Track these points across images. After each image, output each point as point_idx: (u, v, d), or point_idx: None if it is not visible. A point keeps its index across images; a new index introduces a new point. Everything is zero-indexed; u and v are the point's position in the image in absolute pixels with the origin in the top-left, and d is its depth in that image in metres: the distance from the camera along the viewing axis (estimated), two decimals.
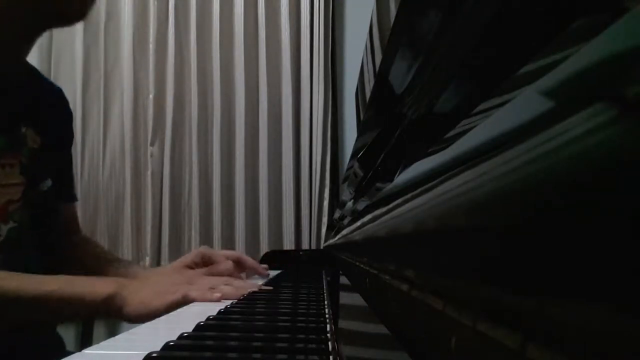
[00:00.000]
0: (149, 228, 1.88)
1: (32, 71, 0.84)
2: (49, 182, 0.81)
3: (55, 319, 0.72)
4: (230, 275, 0.83)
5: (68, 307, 0.65)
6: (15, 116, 0.76)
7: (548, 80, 0.12)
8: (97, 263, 0.91)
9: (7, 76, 0.75)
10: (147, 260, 1.85)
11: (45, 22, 0.78)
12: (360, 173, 0.60)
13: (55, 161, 0.84)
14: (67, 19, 0.76)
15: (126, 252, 1.85)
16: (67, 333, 1.48)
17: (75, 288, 0.66)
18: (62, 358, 0.36)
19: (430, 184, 0.23)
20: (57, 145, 0.86)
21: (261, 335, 0.45)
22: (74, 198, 0.97)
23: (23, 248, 0.77)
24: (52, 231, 0.84)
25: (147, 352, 0.36)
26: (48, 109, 0.84)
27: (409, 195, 0.28)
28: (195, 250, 0.90)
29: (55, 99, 0.89)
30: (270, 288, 0.80)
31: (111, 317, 0.68)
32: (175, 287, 0.69)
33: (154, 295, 0.67)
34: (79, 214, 1.02)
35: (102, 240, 1.84)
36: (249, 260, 0.98)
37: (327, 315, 0.55)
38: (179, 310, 0.64)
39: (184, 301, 0.67)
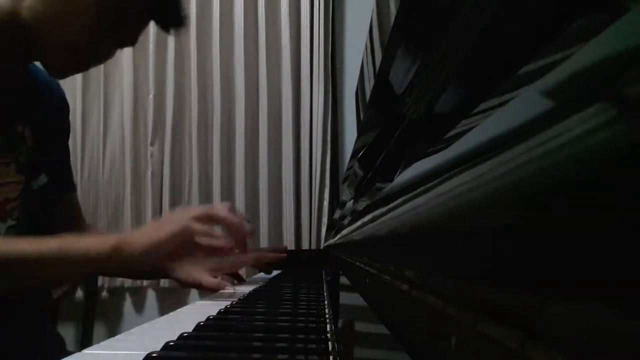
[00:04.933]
0: None
1: (28, 67, 0.83)
2: (44, 178, 0.81)
3: (60, 277, 0.74)
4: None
5: (73, 263, 0.67)
6: (11, 115, 0.76)
7: (548, 80, 0.12)
8: None
9: (4, 77, 0.75)
10: None
11: (30, 61, 0.79)
12: (360, 173, 0.60)
13: (51, 156, 0.84)
14: (47, 70, 0.77)
15: None
16: (67, 333, 1.48)
17: (78, 244, 0.68)
18: (62, 358, 0.36)
19: (430, 184, 0.23)
20: (53, 140, 0.86)
21: (261, 335, 0.45)
22: (74, 187, 0.98)
23: None
24: (51, 228, 0.84)
25: (147, 352, 0.36)
26: (44, 104, 0.84)
27: (408, 196, 0.28)
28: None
29: (50, 90, 0.88)
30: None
31: (121, 264, 0.70)
32: (176, 219, 0.72)
33: (154, 229, 0.71)
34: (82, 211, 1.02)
35: None
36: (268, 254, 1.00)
37: (327, 315, 0.55)
38: (179, 310, 0.64)
39: (185, 232, 0.70)
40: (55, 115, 0.88)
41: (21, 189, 0.76)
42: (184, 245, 0.73)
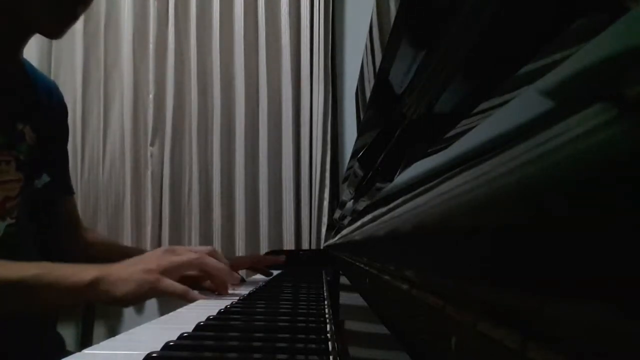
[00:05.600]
0: (149, 228, 1.88)
1: (27, 67, 0.85)
2: (45, 178, 0.81)
3: (37, 306, 0.69)
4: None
5: (49, 292, 0.64)
6: (12, 114, 0.76)
7: (548, 80, 0.12)
8: (108, 252, 0.92)
9: (3, 75, 0.76)
10: None
11: (27, 34, 0.79)
12: (360, 173, 0.60)
13: (52, 157, 0.85)
14: (45, 35, 0.77)
15: None
16: (67, 333, 1.48)
17: (56, 273, 0.65)
18: (62, 358, 0.36)
19: (430, 184, 0.23)
20: (53, 140, 0.86)
21: (261, 335, 0.45)
22: (71, 190, 0.97)
23: (21, 244, 0.77)
24: (50, 227, 0.84)
25: (147, 352, 0.36)
26: (43, 105, 0.84)
27: (408, 195, 0.28)
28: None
29: (50, 94, 0.89)
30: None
31: (96, 299, 0.67)
32: (147, 277, 0.68)
33: (138, 278, 0.67)
34: (79, 213, 1.03)
35: None
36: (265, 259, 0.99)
37: (327, 315, 0.55)
38: (178, 310, 0.64)
39: (166, 287, 0.67)
40: (54, 117, 0.89)
41: (21, 187, 0.76)
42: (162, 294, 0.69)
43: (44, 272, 0.64)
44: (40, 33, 0.77)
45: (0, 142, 0.73)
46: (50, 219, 0.84)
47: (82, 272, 0.65)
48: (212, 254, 0.77)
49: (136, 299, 0.67)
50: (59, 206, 0.90)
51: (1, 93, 0.75)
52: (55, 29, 0.75)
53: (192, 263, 0.73)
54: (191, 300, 0.70)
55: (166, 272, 0.68)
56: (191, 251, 0.75)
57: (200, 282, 0.83)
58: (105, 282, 0.65)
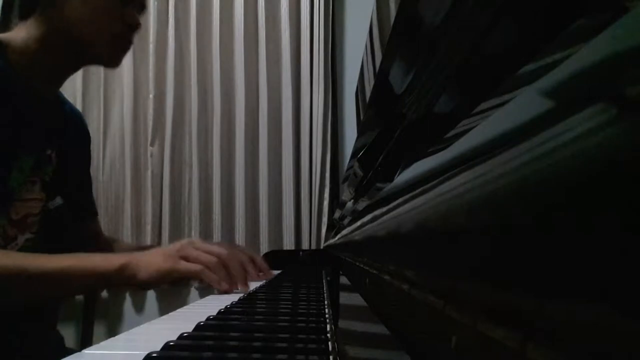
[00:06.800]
0: (149, 228, 1.88)
1: (59, 98, 0.92)
2: (59, 200, 0.86)
3: (71, 291, 0.83)
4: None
5: (83, 279, 0.73)
6: (43, 139, 0.83)
7: (548, 80, 0.12)
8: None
9: (44, 104, 0.83)
10: None
11: (81, 63, 0.87)
12: (360, 173, 0.60)
13: (67, 181, 0.90)
14: (106, 65, 0.86)
15: None
16: (67, 333, 1.48)
17: (89, 262, 0.73)
18: (62, 358, 0.36)
19: (430, 184, 0.23)
20: (73, 166, 0.93)
21: (261, 335, 0.45)
22: (94, 214, 1.06)
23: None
24: (64, 244, 0.87)
25: (147, 352, 0.36)
26: (69, 133, 0.92)
27: (408, 196, 0.28)
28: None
29: (76, 123, 0.97)
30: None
31: (125, 284, 0.76)
32: (168, 261, 0.77)
33: (162, 260, 0.76)
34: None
35: None
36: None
37: (327, 315, 0.55)
38: (178, 310, 0.64)
39: (189, 273, 0.76)
40: (77, 143, 0.97)
41: (42, 206, 0.83)
42: (185, 280, 0.80)
43: (78, 262, 0.73)
44: (101, 64, 0.85)
45: (31, 165, 0.79)
46: (65, 240, 0.88)
47: (111, 260, 0.75)
48: (234, 248, 0.87)
49: (158, 280, 0.75)
50: (76, 230, 0.94)
51: (38, 120, 0.82)
52: (116, 59, 0.85)
53: (212, 251, 0.80)
54: (207, 278, 0.77)
55: (185, 257, 0.77)
56: (212, 245, 0.84)
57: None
58: (131, 267, 0.74)
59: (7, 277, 0.67)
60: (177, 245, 0.80)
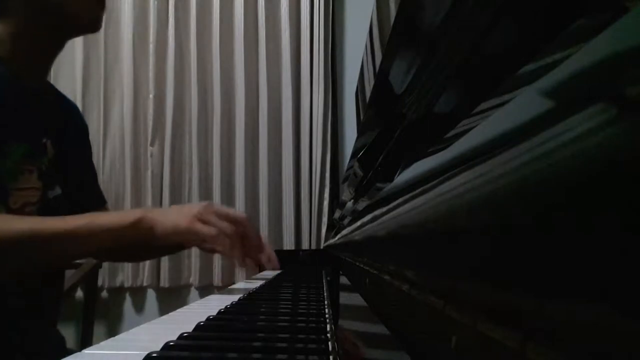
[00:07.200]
0: None
1: (52, 88, 0.92)
2: (57, 190, 0.86)
3: (88, 251, 0.79)
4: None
5: (98, 236, 0.72)
6: (37, 128, 0.82)
7: (548, 80, 0.12)
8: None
9: (32, 93, 0.82)
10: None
11: (63, 37, 0.85)
12: (360, 173, 0.60)
13: (69, 171, 0.90)
14: (84, 31, 0.83)
15: None
16: (67, 333, 1.48)
17: (103, 219, 0.73)
18: (62, 358, 0.36)
19: (429, 184, 0.23)
20: (73, 156, 0.93)
21: (261, 335, 0.45)
22: (103, 203, 1.03)
23: None
24: None
25: (147, 352, 0.36)
26: (65, 124, 0.91)
27: (408, 196, 0.28)
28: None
29: (71, 114, 0.96)
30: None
31: (140, 238, 0.74)
32: (185, 218, 0.74)
33: (178, 217, 0.74)
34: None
35: None
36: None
37: (327, 315, 0.55)
38: (178, 310, 0.64)
39: (189, 234, 0.74)
40: (73, 136, 0.95)
41: (40, 195, 0.82)
42: (198, 241, 0.77)
43: (92, 219, 0.72)
44: (84, 31, 0.83)
45: (27, 153, 0.79)
46: None
47: (126, 215, 0.74)
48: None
49: (173, 237, 0.73)
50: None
51: (33, 109, 0.81)
52: (97, 20, 0.82)
53: (231, 217, 0.77)
54: (222, 244, 0.74)
55: (202, 219, 0.74)
56: (231, 210, 0.81)
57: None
58: (146, 221, 0.73)
59: (23, 240, 0.67)
60: (195, 206, 0.77)
